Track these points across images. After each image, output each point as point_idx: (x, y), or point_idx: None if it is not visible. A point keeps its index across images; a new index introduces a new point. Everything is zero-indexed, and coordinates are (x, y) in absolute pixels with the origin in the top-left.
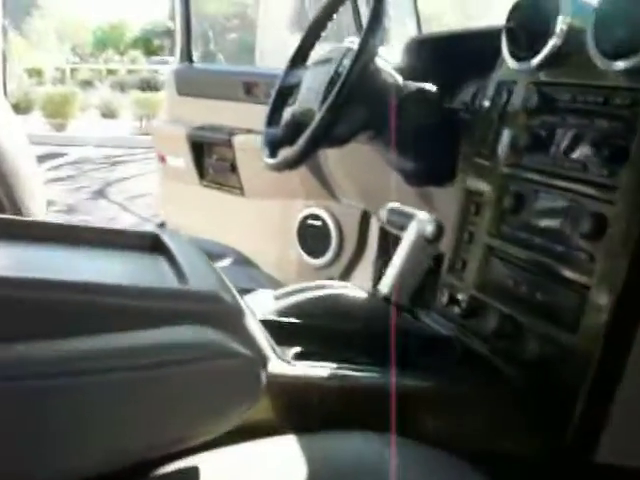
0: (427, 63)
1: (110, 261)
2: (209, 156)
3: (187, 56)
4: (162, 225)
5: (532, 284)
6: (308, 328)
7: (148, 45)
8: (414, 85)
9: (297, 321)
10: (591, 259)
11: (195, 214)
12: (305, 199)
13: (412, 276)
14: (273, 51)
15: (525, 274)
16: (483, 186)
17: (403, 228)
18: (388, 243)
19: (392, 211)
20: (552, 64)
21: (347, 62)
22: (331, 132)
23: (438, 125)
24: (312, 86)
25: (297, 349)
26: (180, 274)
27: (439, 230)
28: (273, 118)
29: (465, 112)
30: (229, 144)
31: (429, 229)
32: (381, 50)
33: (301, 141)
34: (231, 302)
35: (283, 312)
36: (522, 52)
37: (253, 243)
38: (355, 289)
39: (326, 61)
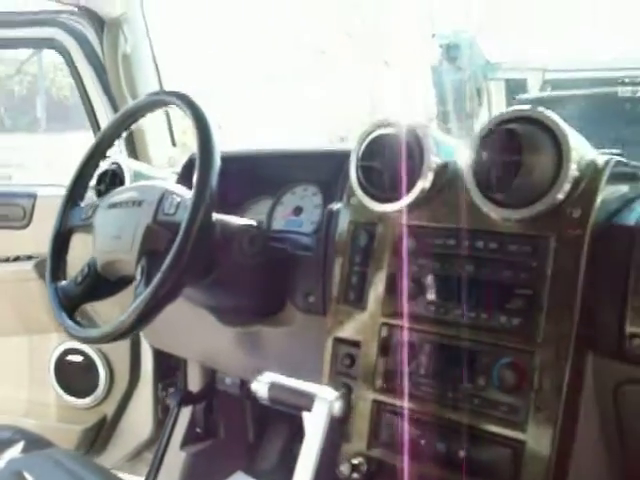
0: None
1: None
2: None
3: None
4: None
5: (448, 441)
6: None
7: None
8: (234, 222)
9: None
10: (514, 412)
11: None
12: (59, 332)
13: (328, 463)
14: None
15: (437, 431)
16: (357, 336)
17: (298, 407)
18: (164, 367)
19: (276, 386)
20: (422, 206)
21: (171, 209)
22: (175, 291)
23: (263, 261)
24: (121, 234)
25: None
26: None
27: (348, 404)
28: (57, 270)
29: (295, 248)
30: None
31: (337, 406)
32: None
33: (140, 303)
34: None
35: None
36: (381, 192)
37: None
38: None
39: (133, 203)
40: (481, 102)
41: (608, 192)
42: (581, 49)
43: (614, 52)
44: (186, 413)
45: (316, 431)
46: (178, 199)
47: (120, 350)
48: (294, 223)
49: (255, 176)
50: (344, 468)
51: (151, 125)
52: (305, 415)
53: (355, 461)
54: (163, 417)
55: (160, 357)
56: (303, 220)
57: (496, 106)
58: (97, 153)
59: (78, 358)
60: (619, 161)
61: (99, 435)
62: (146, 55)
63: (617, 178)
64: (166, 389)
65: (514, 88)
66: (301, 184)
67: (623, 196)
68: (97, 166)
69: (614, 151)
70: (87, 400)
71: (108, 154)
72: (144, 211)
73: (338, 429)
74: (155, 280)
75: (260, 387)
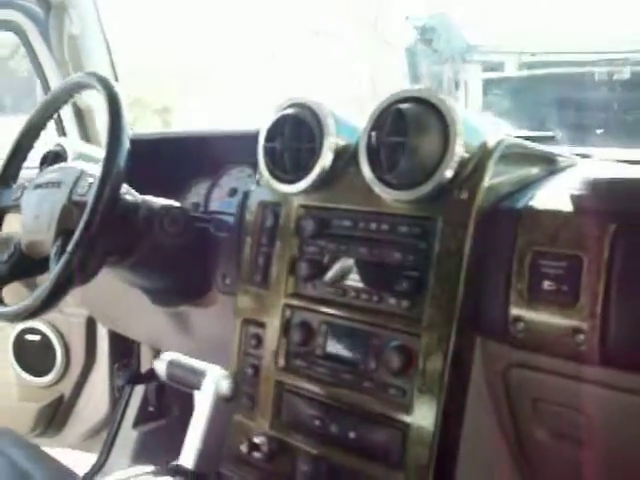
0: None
1: None
2: None
3: None
4: None
5: (341, 422)
6: None
7: None
8: (158, 202)
9: None
10: (402, 394)
11: None
12: None
13: (215, 441)
14: None
15: (331, 412)
16: (262, 316)
17: (191, 385)
18: (120, 348)
19: (173, 364)
20: (322, 187)
21: (84, 189)
22: (84, 269)
23: (187, 242)
24: (40, 214)
25: None
26: None
27: (236, 385)
28: None
29: (217, 229)
30: None
31: (225, 386)
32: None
33: (49, 283)
34: None
35: None
36: (284, 173)
37: None
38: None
39: (53, 184)
40: (458, 85)
41: (503, 175)
42: (560, 32)
43: (592, 35)
44: (139, 393)
45: (203, 409)
46: (91, 180)
47: (76, 330)
48: (228, 204)
49: (195, 158)
50: (243, 447)
51: (101, 107)
52: (195, 393)
53: (257, 440)
54: (119, 397)
55: (116, 338)
56: (237, 201)
57: (473, 88)
58: (28, 136)
59: (36, 337)
60: (515, 143)
61: (56, 413)
62: (96, 37)
63: (516, 160)
64: (122, 369)
65: (492, 71)
66: (238, 166)
67: (521, 180)
68: (30, 148)
69: (545, 134)
70: (45, 379)
71: (42, 136)
72: (61, 192)
73: (226, 408)
74: (62, 259)
75: (160, 365)
